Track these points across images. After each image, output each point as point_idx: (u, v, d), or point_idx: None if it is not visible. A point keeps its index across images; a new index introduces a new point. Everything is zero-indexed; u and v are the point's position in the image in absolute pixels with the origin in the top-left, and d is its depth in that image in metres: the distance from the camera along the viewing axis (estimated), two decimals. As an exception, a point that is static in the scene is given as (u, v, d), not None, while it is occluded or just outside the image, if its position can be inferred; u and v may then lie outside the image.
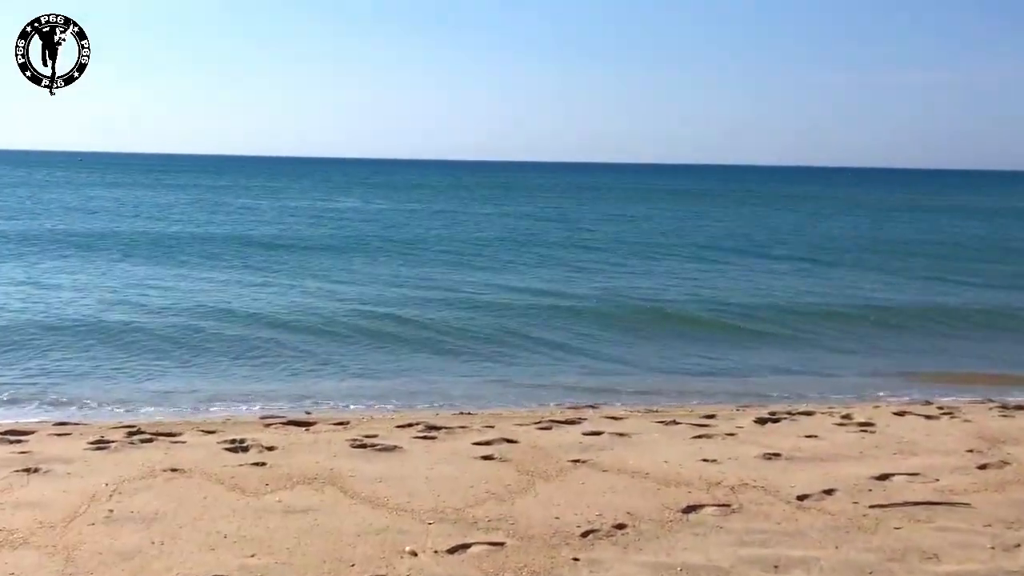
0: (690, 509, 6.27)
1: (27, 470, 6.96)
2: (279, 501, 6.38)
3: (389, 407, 10.80)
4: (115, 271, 21.97)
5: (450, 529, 5.89)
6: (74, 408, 10.46)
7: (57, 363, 12.46)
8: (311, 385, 11.90)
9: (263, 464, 7.29)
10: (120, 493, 6.47)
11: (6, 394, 10.88)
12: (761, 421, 9.24)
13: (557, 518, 6.08)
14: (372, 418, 9.78)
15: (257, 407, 10.67)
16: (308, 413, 10.26)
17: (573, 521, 6.02)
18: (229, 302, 17.52)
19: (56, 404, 10.56)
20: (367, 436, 8.35)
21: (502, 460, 7.54)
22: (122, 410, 10.40)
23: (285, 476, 6.96)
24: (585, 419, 9.52)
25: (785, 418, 9.45)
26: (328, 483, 6.82)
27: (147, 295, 18.23)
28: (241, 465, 7.26)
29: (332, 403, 10.99)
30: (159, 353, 13.21)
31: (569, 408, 10.65)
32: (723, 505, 6.36)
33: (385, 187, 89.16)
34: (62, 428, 8.78)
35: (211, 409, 10.54)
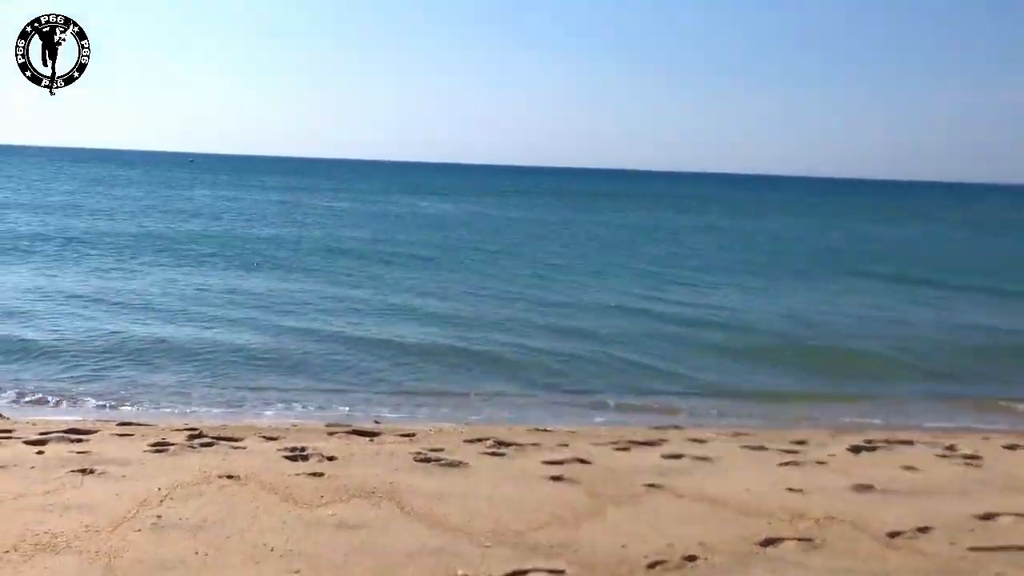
0: (769, 542, 5.88)
1: (83, 471, 6.90)
2: (332, 514, 6.18)
3: (461, 420, 10.56)
4: (200, 275, 22.18)
5: (508, 553, 5.61)
6: (143, 408, 10.54)
7: (132, 363, 12.58)
8: (386, 397, 11.72)
9: (320, 474, 7.11)
10: (171, 499, 6.35)
11: (79, 390, 11.03)
12: (855, 449, 8.74)
13: (624, 546, 5.75)
14: (441, 431, 9.54)
15: (325, 415, 10.57)
16: (377, 423, 10.09)
17: (641, 551, 5.68)
18: (310, 311, 17.43)
19: (125, 403, 10.66)
20: (432, 450, 8.13)
21: (572, 481, 7.24)
22: (188, 411, 10.44)
23: (342, 488, 6.77)
24: (667, 440, 9.15)
25: (882, 447, 8.94)
26: (385, 498, 6.60)
27: (229, 301, 18.33)
28: (298, 474, 7.09)
29: (402, 414, 10.84)
30: (234, 359, 13.15)
31: (653, 428, 10.25)
32: (805, 539, 5.95)
33: (473, 192, 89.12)
34: (125, 428, 8.75)
35: (278, 415, 10.49)
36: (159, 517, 5.95)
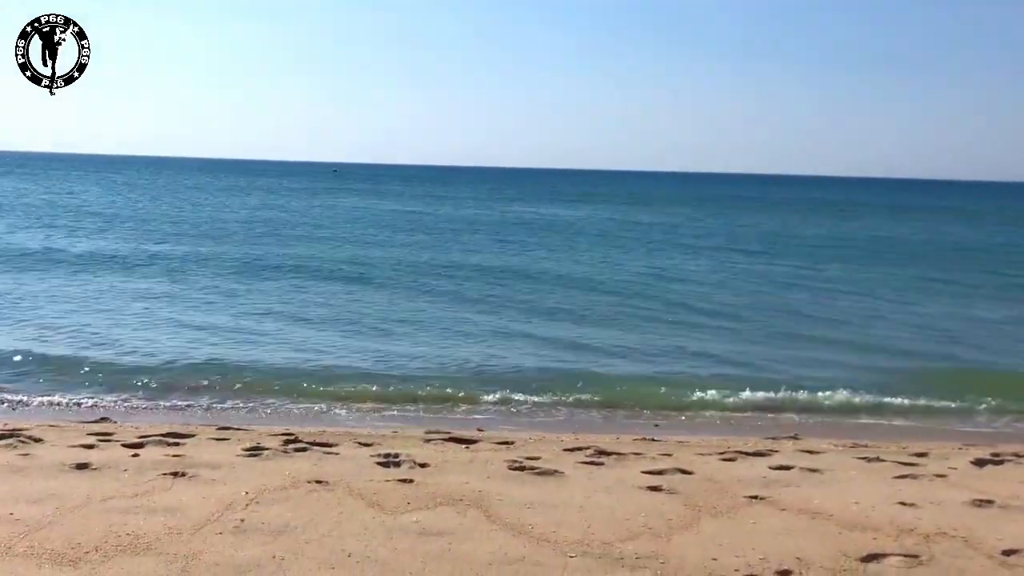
0: (871, 558, 5.56)
1: (174, 474, 7.03)
2: (416, 521, 6.12)
3: (565, 430, 10.43)
4: (326, 285, 22.44)
5: (592, 564, 5.44)
6: (245, 412, 10.82)
7: (245, 369, 12.88)
8: (494, 407, 11.67)
9: (410, 481, 7.07)
10: (257, 503, 6.39)
11: (185, 396, 11.39)
12: (979, 463, 8.25)
13: (715, 559, 5.52)
14: (543, 439, 9.43)
15: (427, 422, 10.61)
16: (480, 430, 10.03)
17: (731, 564, 5.44)
18: (433, 327, 17.20)
19: (229, 408, 10.95)
20: (528, 458, 8.01)
21: (670, 492, 7.02)
22: (289, 416, 10.68)
23: (429, 495, 6.71)
24: (777, 451, 8.83)
25: (1010, 460, 8.42)
26: (473, 505, 6.51)
27: (348, 312, 18.59)
28: (387, 481, 7.07)
29: (508, 423, 10.83)
30: (340, 367, 13.31)
31: (766, 439, 9.92)
32: (910, 556, 5.60)
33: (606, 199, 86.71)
34: (223, 433, 8.90)
35: (379, 422, 10.57)
36: (242, 521, 5.99)
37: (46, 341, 14.27)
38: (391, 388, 12.25)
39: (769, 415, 11.80)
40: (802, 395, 12.55)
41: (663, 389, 12.75)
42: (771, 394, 12.54)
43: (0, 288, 19.78)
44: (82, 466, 7.17)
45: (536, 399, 12.04)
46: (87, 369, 12.70)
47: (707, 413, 11.82)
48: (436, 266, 27.29)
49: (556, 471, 7.56)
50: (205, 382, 12.08)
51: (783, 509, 6.60)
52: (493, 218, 53.71)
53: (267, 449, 7.96)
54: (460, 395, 12.11)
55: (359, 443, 8.54)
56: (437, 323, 17.49)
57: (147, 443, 8.09)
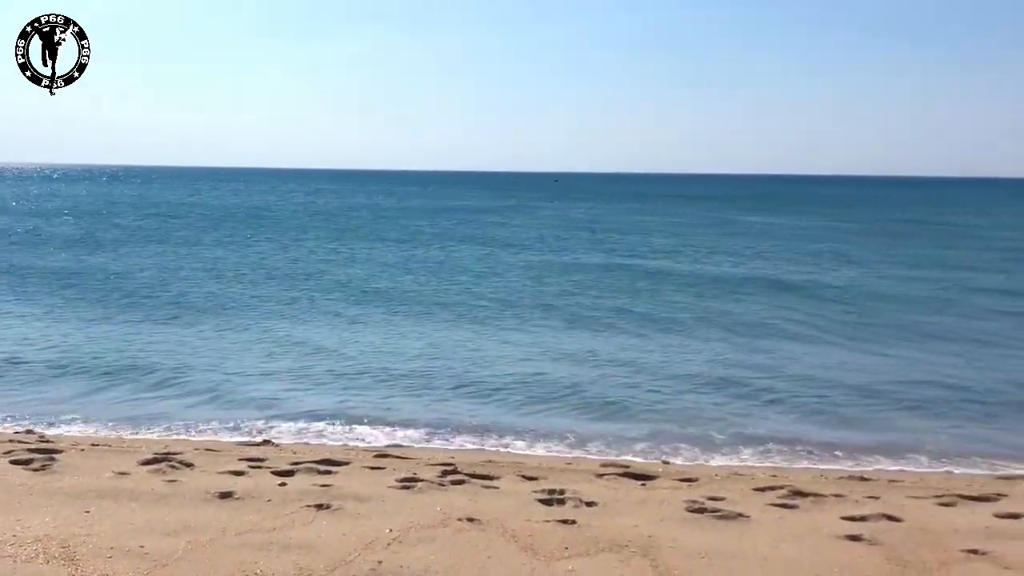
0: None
1: (319, 506, 6.92)
2: (571, 571, 5.76)
3: (766, 464, 9.82)
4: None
5: (768, 632, 4.94)
6: (412, 435, 10.70)
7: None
8: (695, 439, 11.03)
9: (572, 522, 6.71)
10: (400, 542, 6.17)
11: (354, 416, 11.36)
12: None
13: (917, 630, 4.91)
14: (733, 474, 8.87)
15: (610, 453, 10.16)
16: (666, 463, 9.58)
17: (938, 638, 4.82)
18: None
19: (398, 430, 10.90)
20: (711, 498, 7.53)
21: (871, 543, 6.43)
22: (453, 444, 10.47)
23: (591, 540, 6.32)
24: (1006, 495, 8.02)
25: None
26: (639, 553, 6.09)
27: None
28: (547, 521, 6.73)
29: (701, 457, 10.21)
30: (535, 390, 12.98)
31: (997, 478, 9.09)
32: None
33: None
34: (379, 461, 8.79)
35: (557, 451, 10.20)
36: (379, 563, 5.77)
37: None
38: (585, 416, 11.81)
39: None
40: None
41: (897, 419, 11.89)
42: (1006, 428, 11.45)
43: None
44: (225, 495, 7.17)
45: (750, 432, 11.32)
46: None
47: (932, 441, 10.83)
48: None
49: (740, 515, 7.06)
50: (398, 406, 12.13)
51: (1007, 567, 5.91)
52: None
53: (422, 481, 7.78)
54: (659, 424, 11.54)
55: (523, 476, 8.24)
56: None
57: (298, 471, 8.06)
